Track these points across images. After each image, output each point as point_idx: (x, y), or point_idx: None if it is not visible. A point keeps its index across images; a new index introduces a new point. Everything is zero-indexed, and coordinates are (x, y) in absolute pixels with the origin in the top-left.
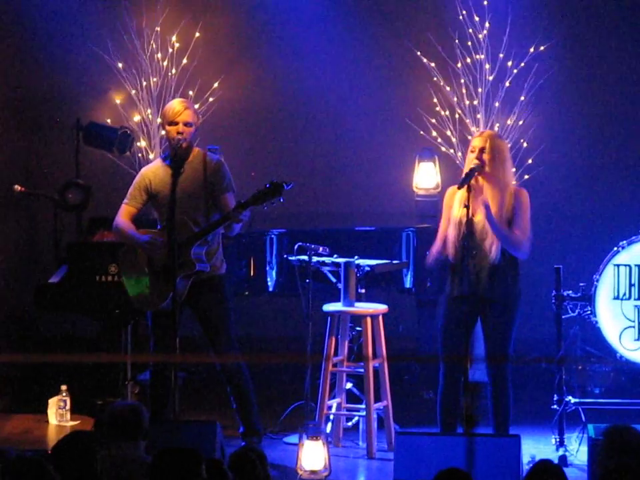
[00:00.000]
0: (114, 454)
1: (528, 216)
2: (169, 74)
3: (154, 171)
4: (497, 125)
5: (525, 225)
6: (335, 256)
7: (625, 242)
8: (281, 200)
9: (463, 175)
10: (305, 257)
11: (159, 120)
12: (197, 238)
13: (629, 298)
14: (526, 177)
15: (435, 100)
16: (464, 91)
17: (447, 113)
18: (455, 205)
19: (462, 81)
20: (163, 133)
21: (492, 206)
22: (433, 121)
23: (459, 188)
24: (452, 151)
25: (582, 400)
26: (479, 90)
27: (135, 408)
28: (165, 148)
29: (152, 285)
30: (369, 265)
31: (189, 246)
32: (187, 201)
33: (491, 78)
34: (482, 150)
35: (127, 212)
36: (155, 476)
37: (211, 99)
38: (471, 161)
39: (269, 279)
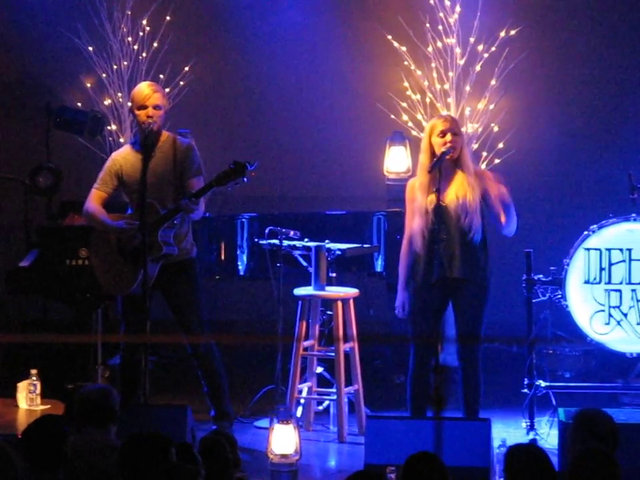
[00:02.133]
0: (84, 439)
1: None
2: (140, 57)
3: (124, 155)
4: (468, 108)
5: (503, 190)
6: (306, 240)
7: (595, 226)
8: (245, 180)
9: (435, 159)
10: (276, 241)
11: (129, 104)
12: (162, 222)
13: (600, 282)
14: (497, 161)
15: (406, 84)
16: (435, 74)
17: (418, 96)
18: (417, 195)
19: (433, 64)
20: (132, 117)
21: (466, 188)
22: (404, 104)
23: (429, 172)
24: (423, 134)
25: (552, 384)
26: (450, 74)
27: (104, 392)
28: (135, 132)
29: (121, 269)
30: (339, 249)
31: (155, 229)
32: (157, 185)
33: (461, 62)
34: (453, 132)
35: (98, 196)
36: (123, 461)
37: (181, 83)
38: (442, 145)
39: (239, 263)
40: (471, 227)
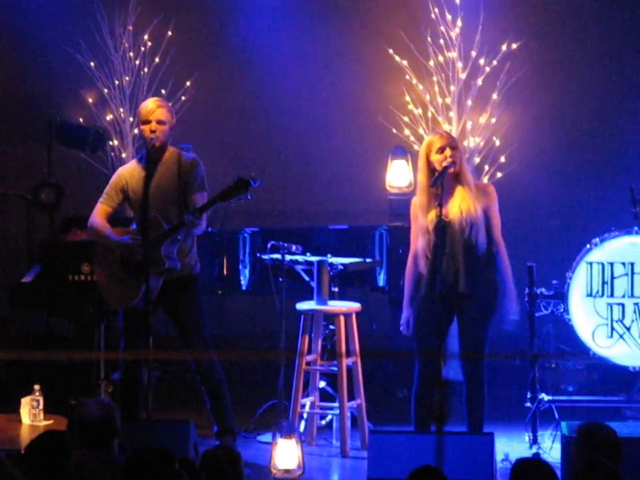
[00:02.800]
0: (87, 454)
1: (498, 216)
2: (141, 72)
3: (130, 171)
4: (470, 122)
5: (499, 223)
6: (308, 254)
7: (597, 239)
8: (248, 197)
9: (437, 174)
10: (278, 256)
11: (130, 119)
12: (165, 236)
13: (602, 295)
14: (499, 175)
15: (408, 98)
16: (436, 89)
17: (420, 111)
18: (418, 215)
19: (434, 79)
20: (139, 131)
21: (469, 202)
22: (406, 119)
23: (431, 186)
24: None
25: (555, 397)
26: (452, 88)
27: (105, 409)
28: (140, 147)
29: (125, 283)
30: (341, 264)
31: (158, 243)
32: (160, 200)
33: (463, 76)
34: (451, 146)
35: (103, 211)
36: (127, 476)
37: (183, 98)
38: (441, 161)
39: (242, 278)
40: (477, 241)
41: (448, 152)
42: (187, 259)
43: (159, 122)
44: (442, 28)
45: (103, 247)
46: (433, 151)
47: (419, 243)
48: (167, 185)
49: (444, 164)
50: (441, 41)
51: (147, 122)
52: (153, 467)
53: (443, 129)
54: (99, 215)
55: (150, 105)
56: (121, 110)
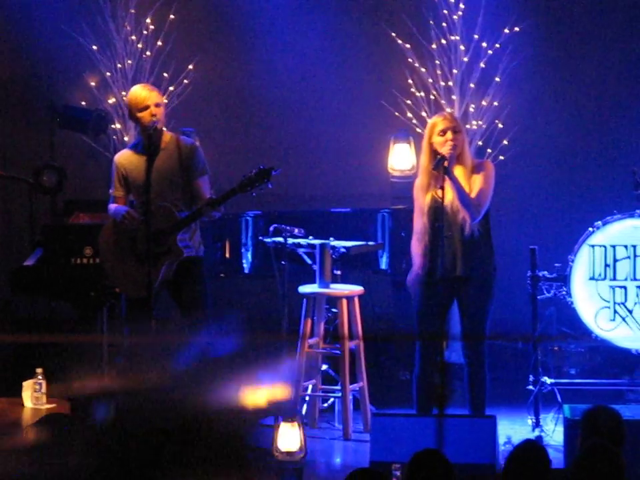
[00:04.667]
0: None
1: (488, 184)
2: (144, 56)
3: (127, 157)
4: (472, 105)
5: (479, 190)
6: (310, 237)
7: (600, 222)
8: (269, 186)
9: (437, 158)
10: (281, 239)
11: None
12: (181, 225)
13: (604, 278)
14: (501, 157)
15: (410, 81)
16: (439, 72)
17: (422, 94)
18: (419, 195)
19: (437, 62)
20: (134, 121)
21: (464, 185)
22: (408, 102)
23: (433, 169)
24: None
25: (558, 380)
26: (454, 71)
27: None
28: (137, 135)
29: (137, 271)
30: (344, 247)
31: (174, 233)
32: (165, 186)
33: (465, 59)
34: (453, 130)
35: (116, 200)
36: None
37: (185, 81)
38: (443, 143)
39: (244, 261)
40: (466, 219)
41: (449, 135)
42: (191, 242)
43: (157, 105)
44: (444, 11)
45: (108, 236)
46: (435, 133)
47: (415, 223)
48: (169, 170)
49: (443, 149)
50: (444, 24)
51: (146, 107)
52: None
53: (446, 111)
54: (113, 204)
55: (143, 91)
56: (123, 93)
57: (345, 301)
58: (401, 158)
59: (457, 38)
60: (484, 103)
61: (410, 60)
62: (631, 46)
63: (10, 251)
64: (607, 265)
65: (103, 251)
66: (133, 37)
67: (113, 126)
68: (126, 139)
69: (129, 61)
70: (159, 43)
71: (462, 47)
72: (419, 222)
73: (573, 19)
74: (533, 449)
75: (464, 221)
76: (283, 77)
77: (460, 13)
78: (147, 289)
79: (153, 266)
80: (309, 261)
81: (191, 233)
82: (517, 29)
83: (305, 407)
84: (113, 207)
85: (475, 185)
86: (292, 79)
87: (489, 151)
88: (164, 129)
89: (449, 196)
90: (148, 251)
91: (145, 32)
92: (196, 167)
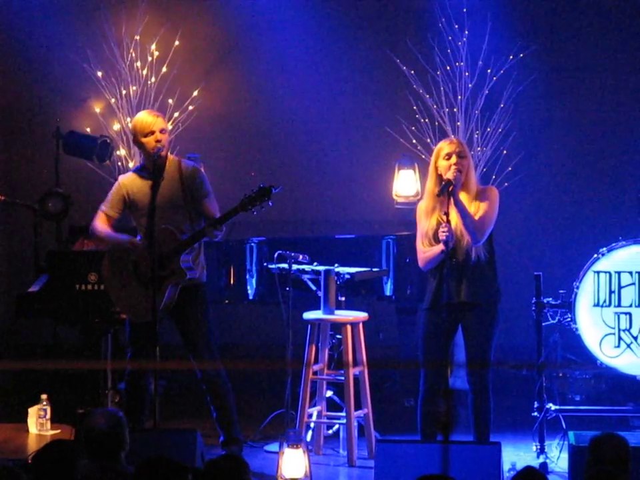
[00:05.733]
0: (95, 465)
1: (492, 209)
2: (149, 82)
3: (131, 181)
4: (477, 132)
5: (483, 214)
6: (315, 264)
7: (604, 249)
8: (270, 204)
9: (442, 183)
10: (285, 265)
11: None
12: (184, 247)
13: (609, 305)
14: (505, 184)
15: (415, 107)
16: (443, 98)
17: (427, 120)
18: (422, 219)
19: (441, 88)
20: (137, 146)
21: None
22: (413, 128)
23: (438, 195)
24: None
25: (562, 407)
26: (459, 97)
27: (113, 420)
28: (141, 160)
29: (141, 296)
30: (348, 273)
31: (177, 254)
32: (169, 210)
33: (470, 85)
34: (459, 155)
35: (105, 218)
36: None
37: (190, 107)
38: (447, 168)
39: (248, 287)
40: (475, 250)
41: (453, 160)
42: (194, 265)
43: (162, 131)
44: (449, 37)
45: (111, 260)
46: (441, 157)
47: (417, 244)
48: (171, 193)
49: (448, 174)
50: (448, 50)
51: (151, 133)
52: (165, 476)
53: (453, 136)
54: (100, 220)
55: (148, 117)
56: (128, 120)
57: (349, 327)
58: (406, 184)
59: (462, 64)
60: (489, 129)
61: (414, 86)
62: (637, 71)
63: (15, 276)
64: (611, 292)
65: (106, 279)
66: (138, 64)
67: (117, 152)
68: (130, 164)
69: (134, 87)
70: (164, 70)
71: (467, 73)
72: (420, 245)
73: (577, 44)
74: (532, 475)
75: (469, 246)
76: (287, 102)
77: (464, 39)
78: (152, 313)
79: (157, 289)
80: (314, 287)
81: (194, 255)
82: (521, 55)
83: (309, 433)
84: (106, 231)
85: (479, 210)
86: (297, 105)
87: (494, 177)
88: (168, 154)
89: (454, 221)
90: (153, 275)
91: (149, 58)
92: (200, 188)
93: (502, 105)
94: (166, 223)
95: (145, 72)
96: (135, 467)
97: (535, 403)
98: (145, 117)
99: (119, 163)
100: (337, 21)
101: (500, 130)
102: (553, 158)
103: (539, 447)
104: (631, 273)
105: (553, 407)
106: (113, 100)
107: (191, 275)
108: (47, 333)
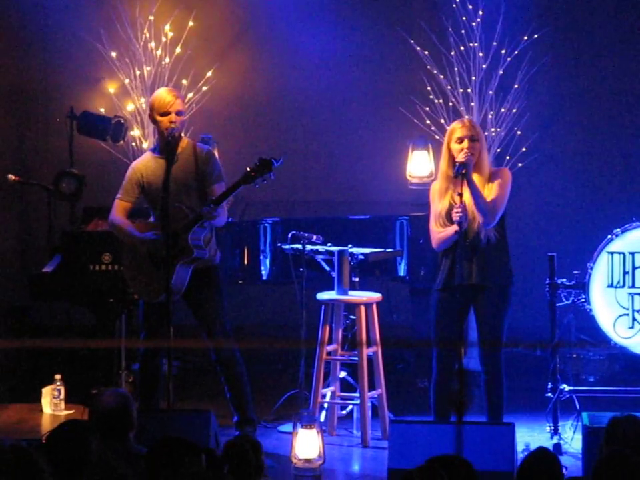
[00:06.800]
0: (107, 444)
1: (504, 191)
2: (163, 63)
3: (145, 163)
4: (491, 112)
5: (495, 196)
6: (329, 244)
7: (619, 230)
8: (272, 177)
9: (458, 164)
10: (299, 246)
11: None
12: (190, 226)
13: (623, 286)
14: (519, 165)
15: (429, 88)
16: (457, 79)
17: (441, 101)
18: (435, 199)
19: (455, 69)
20: (153, 123)
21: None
22: (427, 109)
23: (455, 176)
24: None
25: (576, 388)
26: (473, 78)
27: (121, 400)
28: (156, 139)
29: (155, 276)
30: (362, 254)
31: (185, 232)
32: (182, 191)
33: (484, 66)
34: (471, 139)
35: (122, 207)
36: (151, 465)
37: (204, 88)
38: (459, 151)
39: (262, 268)
40: (485, 231)
41: (466, 144)
42: (207, 249)
43: (178, 112)
44: (463, 18)
45: (127, 247)
46: (453, 140)
47: (431, 224)
48: (185, 175)
49: (459, 157)
50: (462, 31)
51: (167, 113)
52: (178, 457)
53: (466, 117)
54: (118, 212)
55: (167, 96)
56: (142, 100)
57: (363, 308)
58: (420, 165)
59: (476, 45)
60: (503, 109)
61: (428, 67)
62: None
63: (29, 257)
64: (625, 272)
65: (122, 257)
66: (152, 44)
67: (131, 133)
68: (145, 145)
69: (148, 68)
70: (178, 50)
71: (481, 54)
72: (433, 226)
73: (592, 25)
74: (544, 456)
75: (481, 228)
76: (301, 83)
77: (479, 19)
78: (166, 292)
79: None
80: (327, 268)
81: (206, 237)
82: (535, 35)
83: (323, 413)
84: (123, 224)
85: (491, 191)
86: (310, 85)
87: (508, 157)
88: (182, 135)
89: (467, 202)
90: (167, 254)
91: (164, 39)
92: (212, 173)
93: (516, 86)
94: (179, 203)
95: (159, 52)
96: (148, 447)
97: (549, 383)
98: (164, 96)
99: (133, 144)
100: (351, 2)
101: (514, 110)
102: (567, 138)
103: (552, 427)
104: None
105: (567, 388)
106: (127, 80)
107: (199, 254)
108: (61, 314)
